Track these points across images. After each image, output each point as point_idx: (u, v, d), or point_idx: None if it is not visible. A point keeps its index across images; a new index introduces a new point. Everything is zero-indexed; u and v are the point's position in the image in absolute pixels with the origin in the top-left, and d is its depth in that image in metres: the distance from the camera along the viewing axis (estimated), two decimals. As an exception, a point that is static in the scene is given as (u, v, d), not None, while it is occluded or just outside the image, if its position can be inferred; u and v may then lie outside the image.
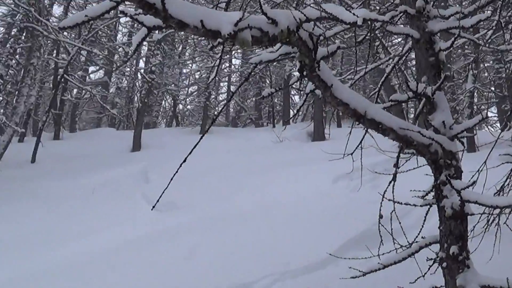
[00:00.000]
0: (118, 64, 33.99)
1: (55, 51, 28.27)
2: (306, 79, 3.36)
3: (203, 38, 3.66)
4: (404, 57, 6.15)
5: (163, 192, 3.56)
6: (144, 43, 36.23)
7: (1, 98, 23.80)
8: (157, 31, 2.70)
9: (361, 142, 5.35)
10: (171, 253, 9.81)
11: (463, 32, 4.63)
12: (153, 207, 3.74)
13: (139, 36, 2.67)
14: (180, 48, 37.41)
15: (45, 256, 10.75)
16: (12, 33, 25.10)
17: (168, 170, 13.77)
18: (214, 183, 16.29)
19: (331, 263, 7.34)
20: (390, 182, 4.20)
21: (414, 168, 4.57)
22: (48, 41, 24.87)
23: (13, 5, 23.37)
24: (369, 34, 5.35)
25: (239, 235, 10.11)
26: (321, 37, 3.18)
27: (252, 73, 3.37)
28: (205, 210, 13.54)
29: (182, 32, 9.67)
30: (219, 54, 4.34)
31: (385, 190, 4.20)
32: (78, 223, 13.37)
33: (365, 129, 4.99)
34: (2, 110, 22.35)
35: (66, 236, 12.41)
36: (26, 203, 16.07)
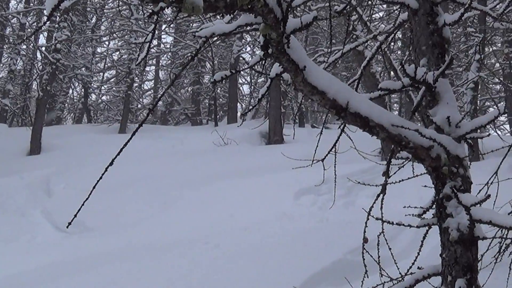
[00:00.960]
0: (13, 40, 33.61)
1: None
2: (270, 59, 3.33)
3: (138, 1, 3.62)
4: (393, 35, 6.16)
5: (80, 208, 3.48)
6: (46, 13, 35.90)
7: None
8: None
9: (335, 143, 5.30)
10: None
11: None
12: (68, 224, 3.65)
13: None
14: (93, 20, 37.20)
15: None
16: None
17: (78, 179, 13.88)
18: (137, 198, 16.16)
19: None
20: (378, 196, 4.17)
21: (409, 178, 4.55)
22: None
23: None
24: (349, 3, 5.32)
25: (173, 268, 10.06)
26: (292, 5, 3.15)
27: (199, 51, 3.21)
28: (125, 234, 13.42)
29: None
30: (151, 27, 4.27)
31: (372, 206, 4.17)
32: None
33: (341, 128, 4.97)
34: None
35: None
36: None
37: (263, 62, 3.63)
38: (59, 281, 10.36)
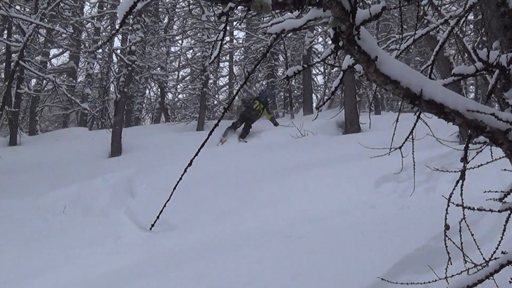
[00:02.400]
0: (90, 47, 34.00)
1: (5, 31, 28.31)
2: (342, 51, 3.32)
3: (206, 2, 3.62)
4: (464, 19, 6.09)
5: (163, 209, 3.52)
6: (119, 17, 36.22)
7: None
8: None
9: (412, 130, 5.26)
10: (171, 287, 9.78)
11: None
12: (152, 226, 3.70)
13: (127, 3, 2.62)
14: (166, 20, 37.45)
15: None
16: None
17: (159, 179, 13.94)
18: (218, 194, 16.19)
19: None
20: (458, 181, 4.13)
21: (488, 162, 4.49)
22: (-4, 18, 24.94)
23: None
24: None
25: (256, 262, 10.05)
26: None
27: (271, 47, 3.23)
28: (208, 230, 13.44)
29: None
30: (223, 25, 4.29)
31: (452, 192, 4.13)
32: (44, 252, 13.32)
33: (417, 114, 4.93)
34: None
35: (28, 271, 12.39)
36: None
37: (335, 54, 3.62)
38: (145, 279, 10.43)
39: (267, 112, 26.11)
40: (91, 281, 11.08)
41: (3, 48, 28.36)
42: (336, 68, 37.23)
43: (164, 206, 3.41)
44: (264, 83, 40.79)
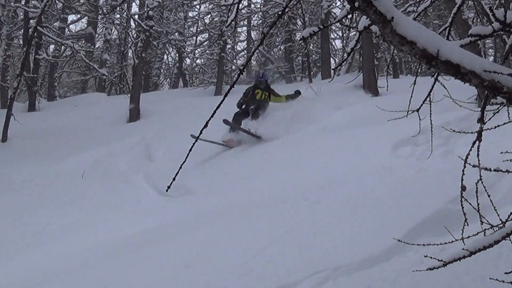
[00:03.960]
0: (106, 10, 34.01)
1: (23, -3, 28.35)
2: (358, 12, 3.30)
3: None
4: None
5: (178, 171, 3.51)
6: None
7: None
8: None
9: (430, 93, 5.23)
10: (188, 249, 9.80)
11: None
12: (168, 188, 3.69)
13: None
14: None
15: (21, 261, 10.78)
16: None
17: (177, 143, 13.95)
18: (236, 158, 16.22)
19: (397, 254, 7.28)
20: (474, 143, 4.10)
21: (505, 123, 4.46)
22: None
23: None
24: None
25: (274, 225, 10.08)
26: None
27: (286, 8, 3.19)
28: (226, 195, 13.49)
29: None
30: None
31: (468, 154, 4.11)
32: (63, 216, 13.39)
33: (435, 77, 4.91)
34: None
35: (50, 234, 12.46)
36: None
37: (352, 15, 3.60)
38: (164, 241, 10.49)
39: (277, 96, 21.31)
40: (111, 244, 11.16)
41: (21, 14, 28.34)
42: (353, 32, 37.15)
43: (180, 167, 3.41)
44: (282, 47, 40.67)
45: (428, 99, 5.20)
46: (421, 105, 5.31)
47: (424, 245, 4.63)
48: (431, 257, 3.90)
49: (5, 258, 11.13)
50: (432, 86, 5.11)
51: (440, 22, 35.75)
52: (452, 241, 4.19)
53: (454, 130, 5.19)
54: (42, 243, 11.83)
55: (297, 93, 21.73)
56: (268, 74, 19.61)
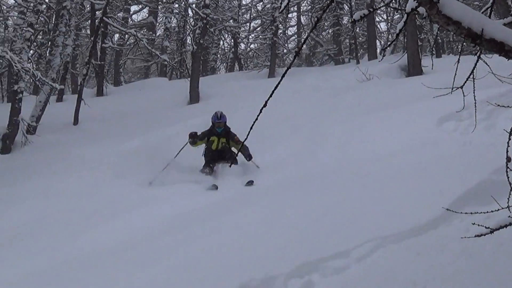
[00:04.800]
0: (165, 0, 34.16)
1: (90, -10, 28.54)
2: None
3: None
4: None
5: (244, 141, 3.53)
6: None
7: (32, 50, 24.18)
8: None
9: (473, 70, 5.19)
10: (249, 219, 9.84)
11: None
12: (231, 163, 3.72)
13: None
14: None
15: (102, 230, 10.90)
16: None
17: (235, 123, 13.89)
18: (289, 135, 16.21)
19: (444, 223, 7.23)
20: (518, 116, 4.08)
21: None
22: (81, -21, 25.10)
23: None
24: None
25: (328, 197, 10.07)
26: None
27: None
28: (282, 169, 13.54)
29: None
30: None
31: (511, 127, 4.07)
32: (134, 192, 13.51)
33: (478, 55, 4.87)
34: (35, 65, 22.69)
35: (119, 208, 12.59)
36: (68, 175, 16.36)
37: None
38: (236, 210, 10.56)
39: (235, 143, 14.63)
40: (180, 215, 11.23)
41: (88, 6, 28.54)
42: (398, 15, 36.86)
43: (244, 141, 3.41)
44: (330, 31, 40.50)
45: (471, 76, 5.15)
46: (465, 82, 5.28)
47: (470, 213, 4.59)
48: (478, 225, 3.87)
49: (87, 227, 11.26)
50: (476, 64, 5.07)
51: (480, 3, 35.37)
52: (497, 210, 4.15)
53: (498, 105, 5.13)
54: (117, 215, 11.95)
55: (249, 156, 14.12)
56: (225, 116, 15.02)
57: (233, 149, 14.69)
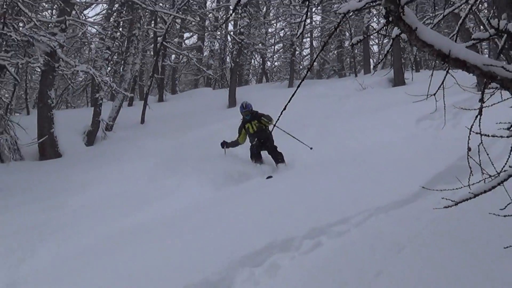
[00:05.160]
0: (210, 29, 34.26)
1: (153, 22, 28.64)
2: (391, 24, 3.31)
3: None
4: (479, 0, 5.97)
5: (270, 131, 3.57)
6: (231, 8, 36.36)
7: (109, 68, 24.45)
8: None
9: (443, 81, 5.21)
10: (274, 195, 9.87)
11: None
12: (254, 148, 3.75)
13: (237, -5, 2.68)
14: (264, 10, 37.30)
15: (159, 208, 10.95)
16: (114, 8, 25.69)
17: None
18: (302, 130, 16.20)
19: (420, 197, 7.26)
20: (477, 117, 4.10)
21: (498, 102, 4.44)
22: (146, 13, 25.21)
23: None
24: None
25: (332, 178, 10.09)
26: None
27: (340, 23, 3.23)
28: (297, 156, 13.58)
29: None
30: (305, 10, 4.29)
31: (472, 124, 4.10)
32: (187, 176, 13.56)
33: (446, 70, 4.88)
34: (111, 79, 22.90)
35: (163, 192, 12.66)
36: (137, 161, 16.49)
37: (386, 27, 3.60)
38: (259, 190, 10.58)
39: (265, 118, 13.94)
40: (215, 196, 11.26)
41: (151, 33, 28.61)
42: (387, 40, 36.68)
43: (270, 131, 3.46)
44: (335, 52, 40.35)
45: (442, 86, 5.18)
46: (437, 90, 5.29)
47: (440, 190, 4.61)
48: (446, 199, 3.89)
49: (148, 202, 11.31)
50: (445, 77, 5.10)
51: (448, 31, 35.13)
52: (461, 187, 4.16)
53: (461, 108, 5.15)
54: (171, 194, 11.99)
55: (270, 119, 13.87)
56: (250, 104, 14.32)
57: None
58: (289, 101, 3.37)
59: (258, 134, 13.78)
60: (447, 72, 4.91)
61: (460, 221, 5.82)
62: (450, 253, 5.34)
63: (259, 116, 13.97)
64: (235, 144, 14.41)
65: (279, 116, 3.46)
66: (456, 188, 4.31)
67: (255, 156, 13.77)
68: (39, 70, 21.70)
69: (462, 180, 4.57)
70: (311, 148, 13.79)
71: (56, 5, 22.53)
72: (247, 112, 13.96)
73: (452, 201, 3.88)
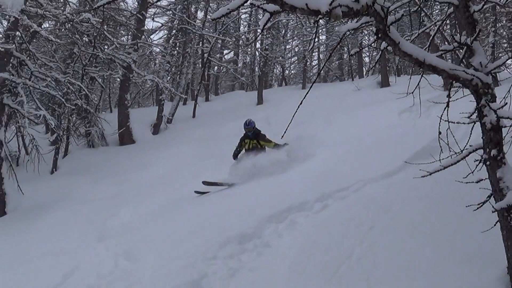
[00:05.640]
0: (243, 46, 34.24)
1: (200, 42, 28.67)
2: (380, 40, 3.29)
3: (305, 16, 3.59)
4: (445, 21, 5.88)
5: (288, 127, 3.56)
6: (259, 30, 36.26)
7: (169, 77, 24.60)
8: (271, 17, 2.71)
9: (418, 83, 5.16)
10: (290, 170, 9.90)
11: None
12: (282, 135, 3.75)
13: (264, 19, 2.69)
14: (283, 32, 37.06)
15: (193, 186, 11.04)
16: (172, 33, 25.84)
17: (283, 115, 13.74)
18: (312, 120, 16.12)
19: (403, 170, 7.21)
20: (445, 108, 4.07)
21: (461, 97, 4.40)
22: (196, 36, 25.22)
23: (171, 14, 24.09)
24: (420, 5, 5.19)
25: (336, 155, 10.11)
26: (389, 9, 3.10)
27: (341, 40, 3.25)
28: (307, 139, 13.52)
29: (290, 15, 9.41)
30: (314, 31, 4.27)
31: (442, 114, 4.07)
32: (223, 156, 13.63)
33: (421, 74, 4.84)
34: (171, 85, 23.04)
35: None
36: (190, 145, 16.63)
37: (376, 42, 3.58)
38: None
39: (267, 142, 11.54)
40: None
41: (199, 51, 28.62)
42: (375, 52, 36.27)
43: (290, 122, 3.46)
44: (337, 62, 39.95)
45: (418, 86, 5.12)
46: (414, 89, 5.22)
47: (418, 164, 4.59)
48: (422, 170, 3.88)
49: (195, 180, 11.38)
50: (420, 79, 5.07)
51: (421, 45, 34.67)
52: (433, 161, 4.14)
53: (433, 102, 5.12)
54: (213, 172, 12.10)
55: (285, 144, 11.12)
56: (254, 122, 11.78)
57: (267, 148, 11.48)
58: (302, 99, 3.37)
59: (249, 152, 11.49)
60: (422, 75, 4.88)
61: (433, 188, 5.79)
62: (426, 211, 5.34)
63: (260, 137, 11.53)
64: (237, 153, 11.71)
65: (295, 111, 3.45)
66: (430, 162, 4.28)
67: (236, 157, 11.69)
68: (118, 79, 21.90)
69: (434, 157, 4.53)
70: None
71: (130, 32, 22.70)
72: (250, 129, 11.60)
73: (427, 172, 3.85)
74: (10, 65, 13.21)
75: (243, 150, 11.65)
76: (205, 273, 5.33)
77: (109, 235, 8.41)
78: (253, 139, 11.51)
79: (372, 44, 3.58)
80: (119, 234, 8.35)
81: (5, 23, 14.94)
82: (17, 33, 13.41)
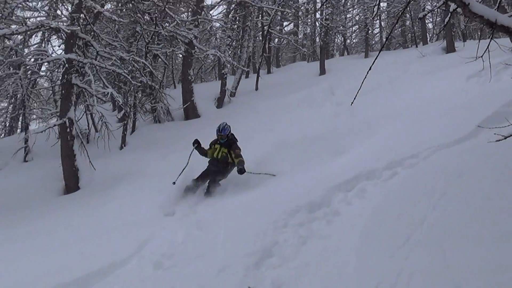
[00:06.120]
0: (303, 17, 33.83)
1: (260, 15, 28.54)
2: (449, 1, 3.20)
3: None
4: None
5: (356, 96, 3.54)
6: (319, 1, 35.74)
7: (230, 51, 24.74)
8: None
9: (488, 45, 4.95)
10: (352, 145, 9.80)
11: None
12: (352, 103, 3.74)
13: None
14: (343, 1, 36.32)
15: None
16: (232, 7, 25.93)
17: (347, 85, 13.59)
18: (376, 89, 15.76)
19: (474, 136, 7.00)
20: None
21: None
22: (255, 9, 25.13)
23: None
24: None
25: (406, 122, 9.96)
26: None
27: (407, 6, 3.19)
28: (372, 110, 13.26)
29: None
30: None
31: (514, 76, 3.92)
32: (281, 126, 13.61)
33: (491, 36, 4.66)
34: (232, 58, 23.16)
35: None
36: (253, 116, 16.76)
37: (444, 4, 3.49)
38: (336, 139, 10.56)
39: (235, 155, 9.24)
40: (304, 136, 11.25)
41: (259, 24, 28.48)
42: (439, 18, 34.97)
43: (358, 92, 3.44)
44: (400, 29, 38.76)
45: (487, 49, 4.93)
46: (483, 53, 5.04)
47: (490, 128, 4.45)
48: (496, 134, 3.76)
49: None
50: (489, 41, 4.85)
51: (492, 4, 33.09)
52: (507, 125, 4.00)
53: (506, 64, 4.93)
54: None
55: (242, 170, 8.87)
56: (229, 127, 9.54)
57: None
58: (368, 70, 3.34)
59: (216, 163, 9.54)
60: (491, 38, 4.69)
61: (507, 152, 5.59)
62: (500, 178, 5.16)
63: (233, 148, 9.38)
64: (203, 153, 9.87)
65: (363, 80, 3.42)
66: (504, 126, 4.14)
67: (200, 177, 9.42)
68: (181, 56, 22.27)
69: (510, 120, 4.37)
70: (274, 175, 9.23)
71: (190, 8, 22.95)
72: (222, 136, 9.48)
73: (501, 135, 3.73)
74: (76, 46, 13.71)
75: (209, 157, 9.79)
76: (276, 241, 5.44)
77: (181, 208, 8.66)
78: (225, 148, 9.49)
79: (442, 7, 3.47)
80: (190, 206, 8.60)
81: (69, 6, 15.39)
82: (81, 15, 13.84)
